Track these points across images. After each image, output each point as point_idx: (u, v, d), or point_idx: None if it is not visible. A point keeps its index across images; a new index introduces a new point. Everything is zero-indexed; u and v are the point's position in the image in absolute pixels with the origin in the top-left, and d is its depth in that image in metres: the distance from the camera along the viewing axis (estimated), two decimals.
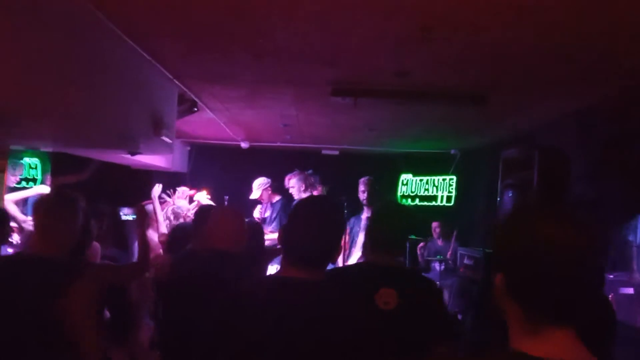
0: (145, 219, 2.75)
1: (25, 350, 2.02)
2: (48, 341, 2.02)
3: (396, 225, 2.19)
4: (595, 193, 4.09)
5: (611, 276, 3.81)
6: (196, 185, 6.15)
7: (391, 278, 2.05)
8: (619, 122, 3.99)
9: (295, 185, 5.15)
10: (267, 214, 5.34)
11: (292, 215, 1.58)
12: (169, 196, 4.81)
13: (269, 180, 5.45)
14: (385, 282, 2.02)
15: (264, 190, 5.37)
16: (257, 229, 3.38)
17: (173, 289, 2.37)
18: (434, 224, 6.59)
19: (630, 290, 3.80)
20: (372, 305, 1.96)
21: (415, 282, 2.20)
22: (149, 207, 5.02)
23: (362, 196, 5.06)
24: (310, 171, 5.19)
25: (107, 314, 4.05)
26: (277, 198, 5.45)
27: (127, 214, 4.59)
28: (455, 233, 6.25)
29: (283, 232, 1.55)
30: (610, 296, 3.78)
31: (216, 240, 2.25)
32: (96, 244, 4.29)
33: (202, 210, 3.76)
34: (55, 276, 2.07)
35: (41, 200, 2.37)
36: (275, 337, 1.39)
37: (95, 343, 2.05)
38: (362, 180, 5.22)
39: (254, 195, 5.32)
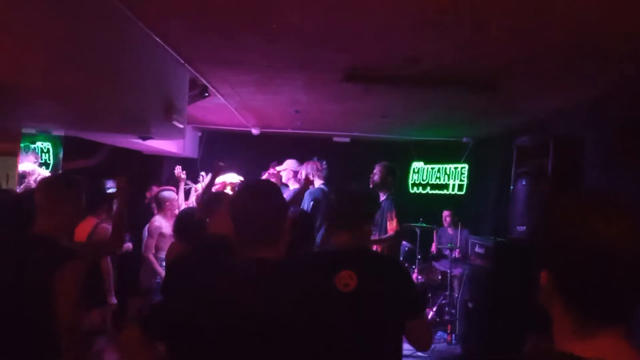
0: (124, 194, 2.71)
1: (13, 321, 2.08)
2: (37, 319, 2.08)
3: (357, 207, 2.21)
4: (608, 182, 4.04)
5: None
6: (207, 172, 6.15)
7: (351, 260, 2.07)
8: (633, 109, 3.91)
9: (308, 174, 5.14)
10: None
11: (235, 199, 1.70)
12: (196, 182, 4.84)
13: (298, 165, 5.35)
14: (345, 264, 2.04)
15: (290, 169, 5.23)
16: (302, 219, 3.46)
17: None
18: (445, 213, 6.59)
19: None
20: (332, 287, 1.98)
21: (375, 263, 2.22)
22: (168, 193, 5.06)
23: (372, 178, 5.04)
24: (315, 158, 5.18)
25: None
26: (295, 187, 5.41)
27: (110, 187, 4.54)
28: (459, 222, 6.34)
29: (231, 216, 1.64)
30: None
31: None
32: (105, 226, 4.34)
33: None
34: (50, 256, 2.13)
35: (44, 180, 2.39)
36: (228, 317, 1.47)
37: (73, 322, 2.11)
38: (378, 164, 5.20)
39: (282, 167, 5.23)
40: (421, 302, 2.37)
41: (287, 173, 5.10)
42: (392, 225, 4.69)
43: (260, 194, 1.66)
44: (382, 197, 4.88)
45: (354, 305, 1.92)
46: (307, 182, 4.28)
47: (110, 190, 4.51)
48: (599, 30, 2.76)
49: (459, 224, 6.45)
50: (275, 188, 1.79)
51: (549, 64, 3.49)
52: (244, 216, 1.62)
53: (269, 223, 1.60)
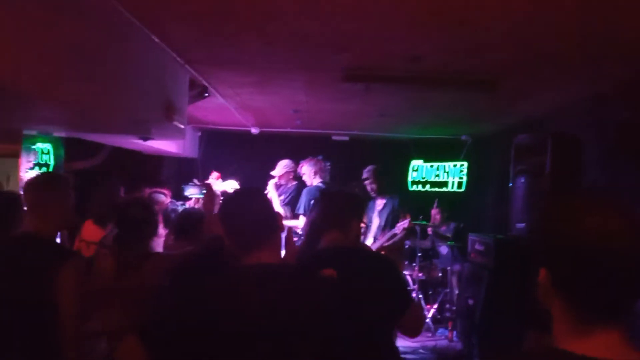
0: (214, 199, 2.64)
1: (10, 327, 2.03)
2: (34, 321, 2.02)
3: (340, 205, 2.29)
4: (608, 179, 4.06)
5: None
6: (207, 171, 6.17)
7: (337, 258, 2.09)
8: (632, 106, 3.93)
9: (306, 172, 5.18)
10: (281, 197, 5.36)
11: (224, 208, 1.71)
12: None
13: (294, 165, 5.43)
14: (330, 263, 2.00)
15: (287, 171, 5.36)
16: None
17: None
18: (433, 211, 6.54)
19: None
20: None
21: (360, 260, 2.22)
22: (157, 195, 5.05)
23: (370, 187, 5.08)
24: (320, 157, 5.21)
25: None
26: (293, 183, 5.46)
27: (192, 194, 4.48)
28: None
29: (223, 225, 1.65)
30: None
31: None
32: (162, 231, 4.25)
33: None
34: (46, 256, 2.09)
35: (32, 180, 2.36)
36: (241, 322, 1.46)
37: (77, 331, 2.05)
38: (366, 170, 5.23)
39: (276, 172, 5.32)
40: (407, 292, 2.39)
41: (287, 174, 5.20)
42: (405, 224, 4.75)
43: (247, 200, 1.68)
44: (383, 200, 4.91)
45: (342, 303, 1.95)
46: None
47: (192, 196, 4.47)
48: (598, 28, 2.78)
49: (448, 220, 6.48)
50: (262, 193, 1.82)
51: (549, 63, 3.50)
52: (234, 222, 1.64)
53: (259, 228, 1.62)
